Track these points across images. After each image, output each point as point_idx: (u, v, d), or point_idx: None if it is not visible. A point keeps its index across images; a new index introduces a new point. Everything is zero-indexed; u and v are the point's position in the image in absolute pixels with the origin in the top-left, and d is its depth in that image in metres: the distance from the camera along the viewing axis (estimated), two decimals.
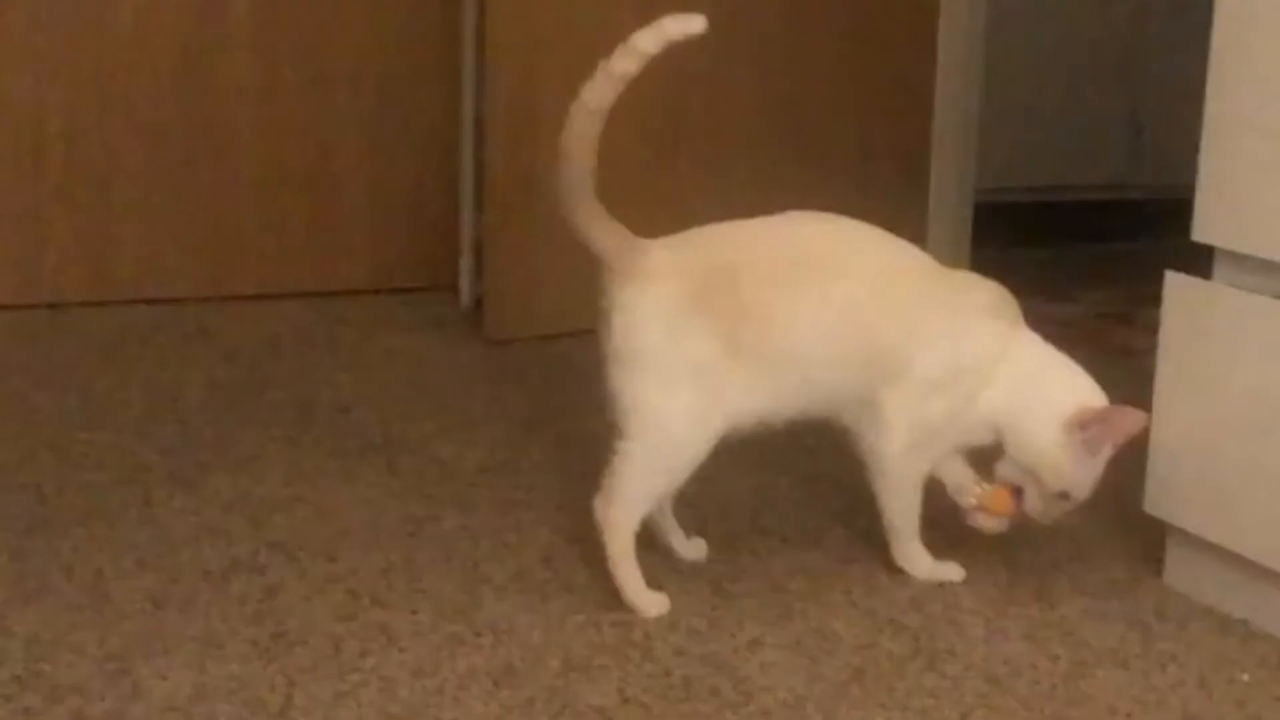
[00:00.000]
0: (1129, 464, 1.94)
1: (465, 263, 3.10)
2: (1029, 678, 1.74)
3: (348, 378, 2.71)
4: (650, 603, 1.89)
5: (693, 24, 1.83)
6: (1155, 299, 1.95)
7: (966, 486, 1.98)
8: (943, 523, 2.00)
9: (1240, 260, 1.86)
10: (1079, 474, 1.88)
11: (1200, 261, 1.91)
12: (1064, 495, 1.90)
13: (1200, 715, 1.70)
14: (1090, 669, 1.78)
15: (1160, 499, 1.97)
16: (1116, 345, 2.94)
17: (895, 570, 2.00)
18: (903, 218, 2.95)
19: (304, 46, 3.16)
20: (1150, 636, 1.86)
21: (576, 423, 2.51)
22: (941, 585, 1.97)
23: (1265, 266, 1.82)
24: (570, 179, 1.92)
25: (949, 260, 3.53)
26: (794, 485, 2.29)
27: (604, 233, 1.91)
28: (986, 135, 3.51)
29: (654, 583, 1.95)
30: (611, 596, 1.92)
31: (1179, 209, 1.94)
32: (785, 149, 3.18)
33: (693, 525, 2.12)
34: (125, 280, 3.13)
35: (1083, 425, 1.86)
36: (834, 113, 3.23)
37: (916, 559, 2.00)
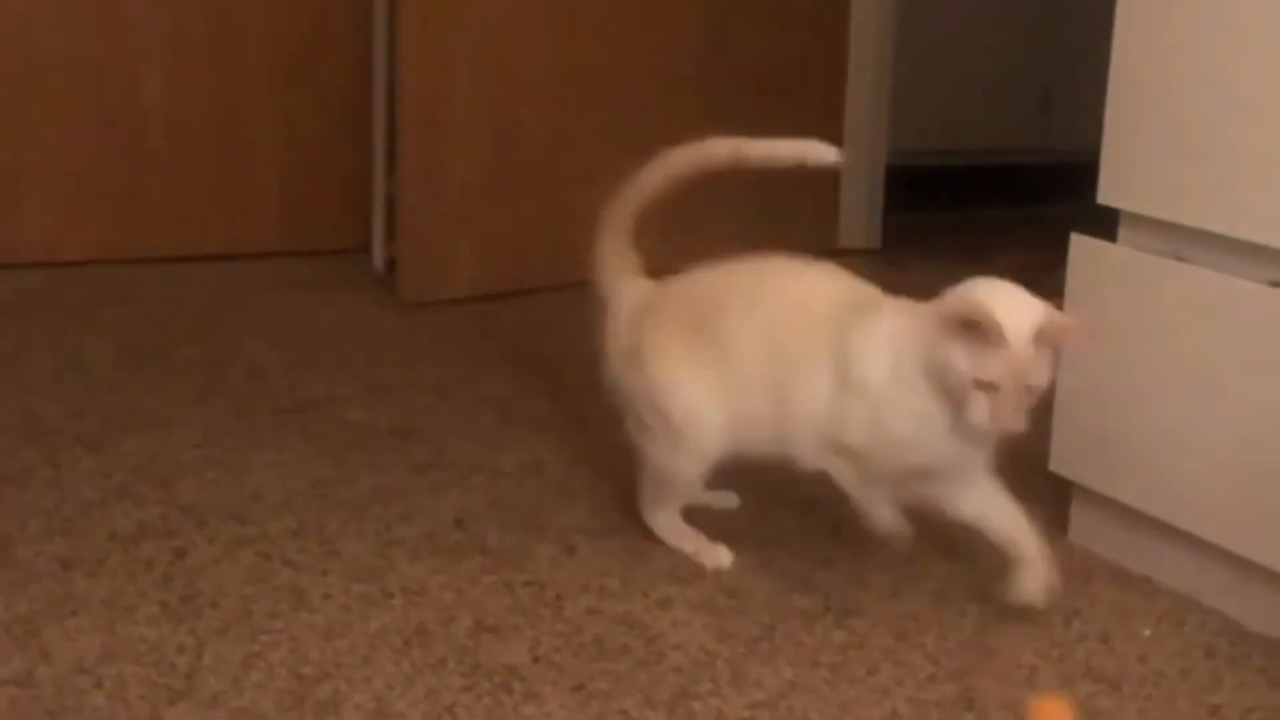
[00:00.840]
0: (1035, 424, 1.97)
1: (377, 225, 3.09)
2: (936, 634, 1.77)
3: (259, 341, 2.69)
4: (713, 556, 1.94)
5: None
6: (1064, 262, 1.98)
7: None
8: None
9: (1143, 223, 1.88)
10: (975, 363, 1.72)
11: (1107, 224, 1.94)
12: (984, 386, 1.72)
13: (1103, 669, 1.73)
14: (996, 625, 1.81)
15: (1065, 458, 2.01)
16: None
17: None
18: (817, 184, 2.98)
19: (213, 4, 3.12)
20: (1055, 592, 1.89)
21: (488, 386, 2.51)
22: (851, 545, 1.99)
23: (1167, 229, 1.85)
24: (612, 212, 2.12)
25: (862, 225, 3.53)
26: None
27: (612, 261, 2.10)
28: (899, 101, 3.53)
29: (566, 545, 1.97)
30: (522, 556, 1.93)
31: (1087, 173, 1.96)
32: (697, 120, 3.18)
33: (606, 489, 2.13)
34: (32, 243, 3.08)
35: (951, 318, 1.72)
36: (746, 82, 3.23)
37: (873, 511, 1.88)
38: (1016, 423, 1.70)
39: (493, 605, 1.81)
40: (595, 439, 2.29)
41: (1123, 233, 1.92)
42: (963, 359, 1.69)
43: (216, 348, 2.66)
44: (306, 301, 2.92)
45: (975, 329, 1.68)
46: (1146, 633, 1.81)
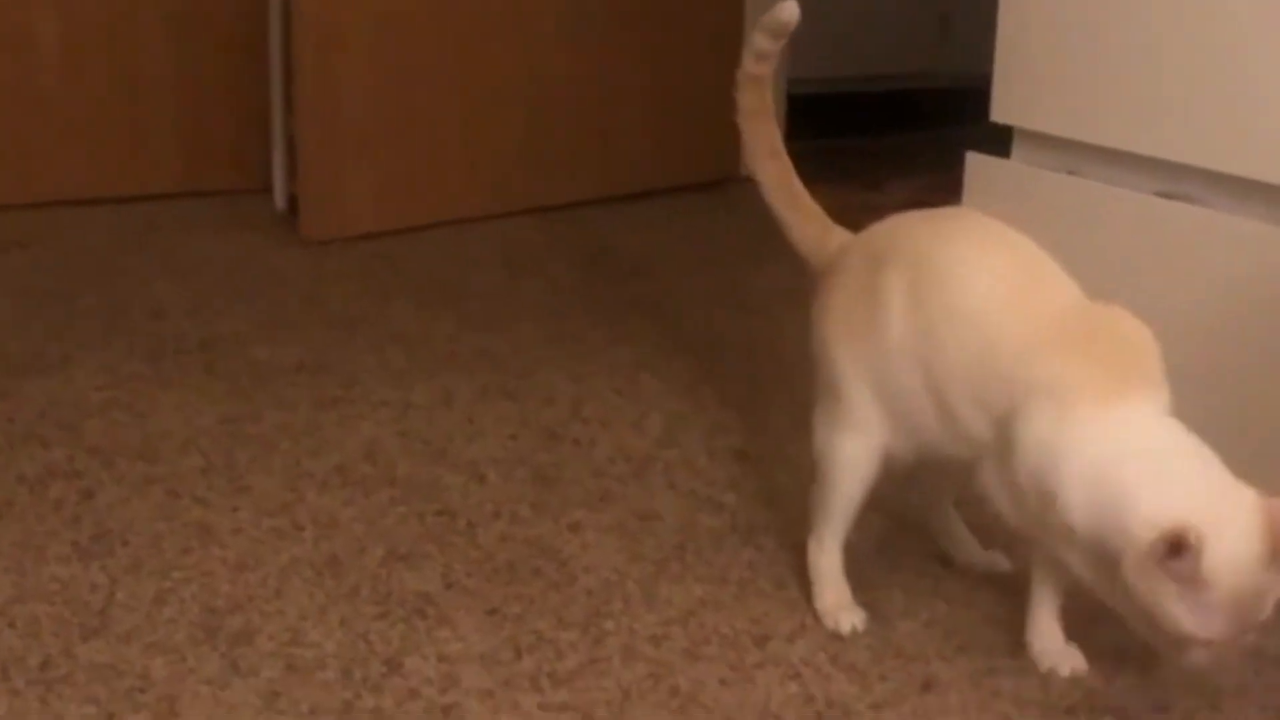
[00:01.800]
0: None
1: (277, 164, 3.06)
2: (845, 555, 1.78)
3: (161, 282, 2.67)
4: (846, 619, 1.66)
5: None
6: (959, 185, 2.01)
7: None
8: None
9: (1035, 139, 1.92)
10: (1191, 620, 1.39)
11: (1003, 146, 1.97)
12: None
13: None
14: (899, 536, 1.84)
15: None
16: None
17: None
18: (717, 112, 2.99)
19: None
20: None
21: (394, 321, 2.51)
22: (758, 466, 2.01)
23: (1058, 144, 1.88)
24: (751, 155, 1.82)
25: None
26: (613, 369, 2.32)
27: (798, 220, 1.78)
28: (797, 29, 3.54)
29: (477, 474, 1.98)
30: (433, 487, 1.94)
31: (985, 97, 1.99)
32: (594, 51, 3.18)
33: (514, 419, 2.15)
34: None
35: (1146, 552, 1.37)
36: (645, 12, 3.23)
37: None
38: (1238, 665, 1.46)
39: (404, 535, 1.83)
40: (502, 372, 2.31)
41: (1016, 150, 1.96)
42: (1176, 607, 1.37)
43: (118, 290, 2.64)
44: (208, 242, 2.90)
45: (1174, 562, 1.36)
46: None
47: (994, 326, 1.54)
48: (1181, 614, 1.37)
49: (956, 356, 1.55)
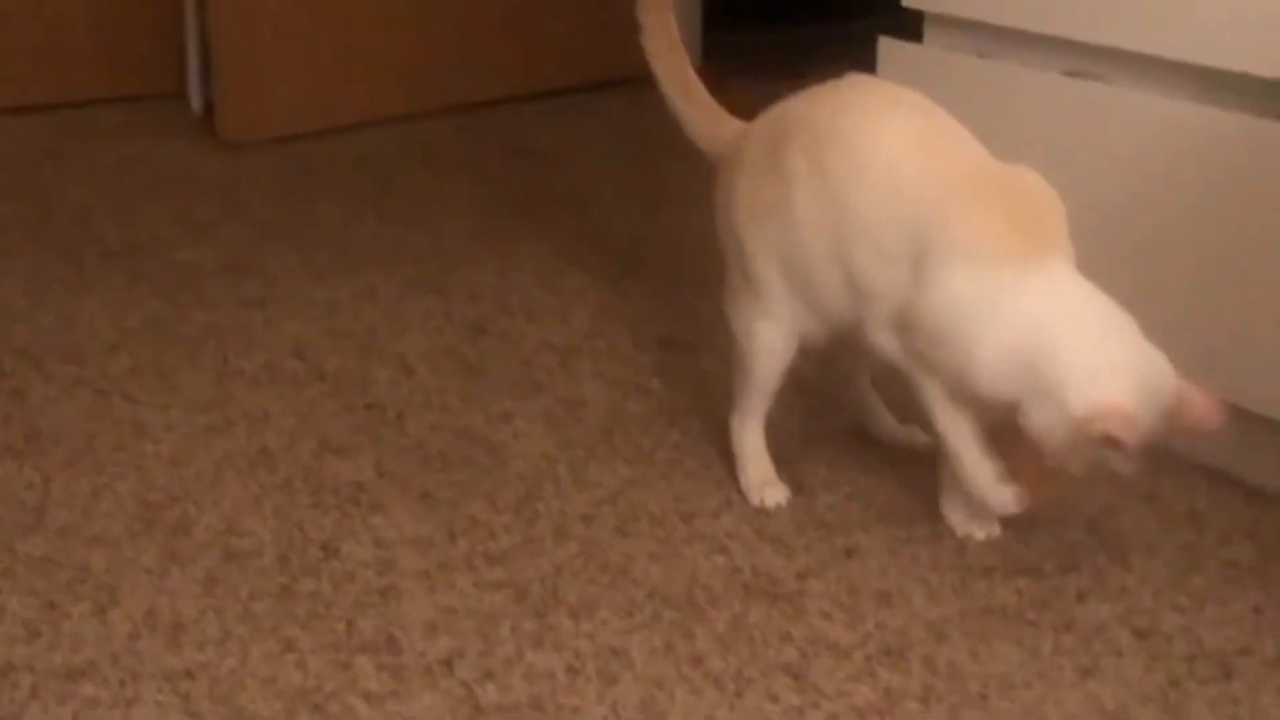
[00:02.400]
0: None
1: (192, 67, 3.04)
2: (769, 434, 1.82)
3: (80, 188, 2.66)
4: (764, 494, 1.71)
5: None
6: (874, 72, 2.03)
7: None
8: None
9: (946, 23, 1.95)
10: (1086, 463, 1.52)
11: (917, 33, 1.99)
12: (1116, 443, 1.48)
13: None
14: (820, 413, 1.89)
15: None
16: None
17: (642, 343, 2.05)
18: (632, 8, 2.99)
19: None
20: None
21: (318, 221, 2.52)
22: (683, 353, 2.04)
23: (969, 26, 1.91)
24: (654, 53, 1.83)
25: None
26: (537, 263, 2.35)
27: (694, 109, 1.80)
28: None
29: (405, 367, 2.00)
30: (361, 380, 1.96)
31: None
32: None
33: (440, 313, 2.17)
34: None
35: (1089, 433, 1.47)
36: None
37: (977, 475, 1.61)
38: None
39: (335, 427, 1.85)
40: (427, 268, 2.33)
41: (928, 34, 1.98)
42: (1090, 455, 1.49)
43: (37, 198, 2.63)
44: (125, 147, 2.89)
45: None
46: None
47: (904, 179, 1.56)
48: (1094, 459, 1.49)
49: (865, 211, 1.57)
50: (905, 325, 1.56)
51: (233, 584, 1.54)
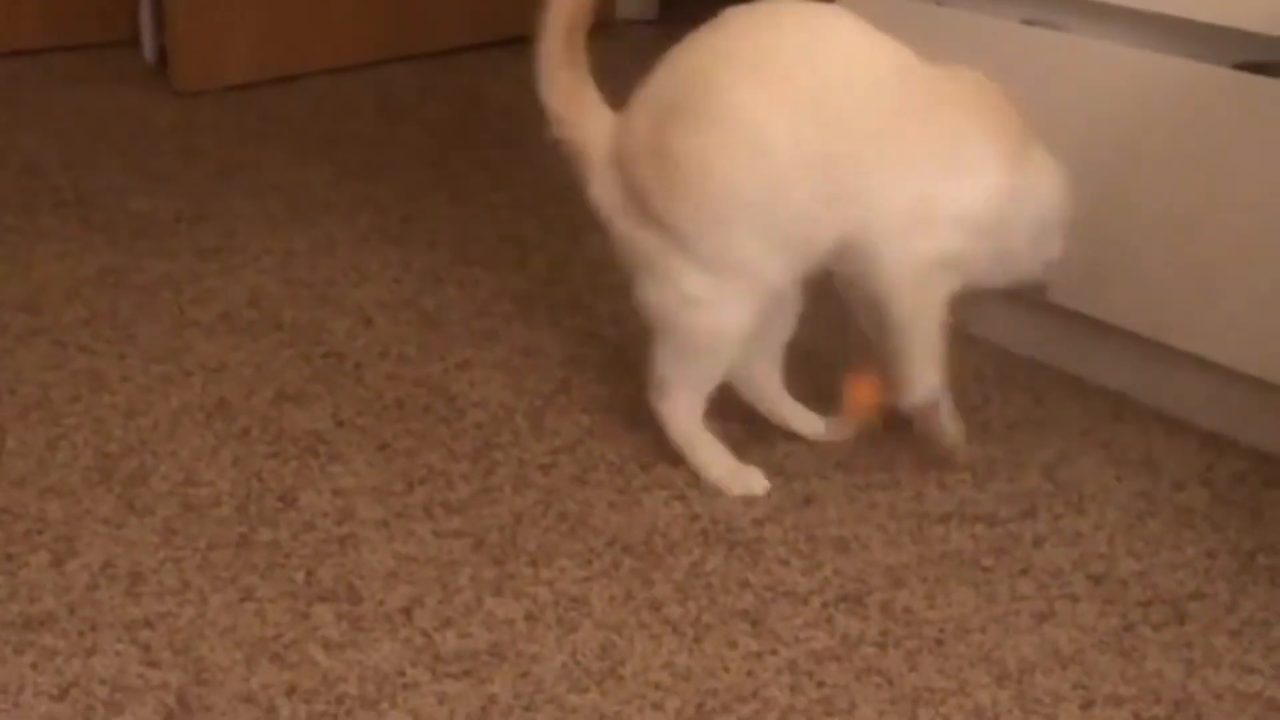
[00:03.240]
0: None
1: (145, 14, 3.01)
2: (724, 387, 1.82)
3: (31, 137, 2.63)
4: (740, 482, 1.66)
5: None
6: None
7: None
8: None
9: None
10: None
11: None
12: None
13: None
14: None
15: None
16: None
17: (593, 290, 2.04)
18: None
19: None
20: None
21: (272, 170, 2.50)
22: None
23: None
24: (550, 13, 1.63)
25: None
26: (494, 213, 2.34)
27: (562, 91, 1.63)
28: None
29: (363, 317, 2.00)
30: (319, 330, 1.96)
31: None
32: None
33: (398, 263, 2.16)
34: None
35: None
36: None
37: (925, 378, 1.63)
38: None
39: (292, 376, 1.85)
40: (384, 217, 2.32)
41: None
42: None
43: None
44: (78, 96, 2.86)
45: None
46: None
47: (890, 88, 1.57)
48: None
49: (861, 123, 1.54)
50: (923, 225, 1.56)
51: (191, 534, 1.53)
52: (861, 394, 1.67)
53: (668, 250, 1.57)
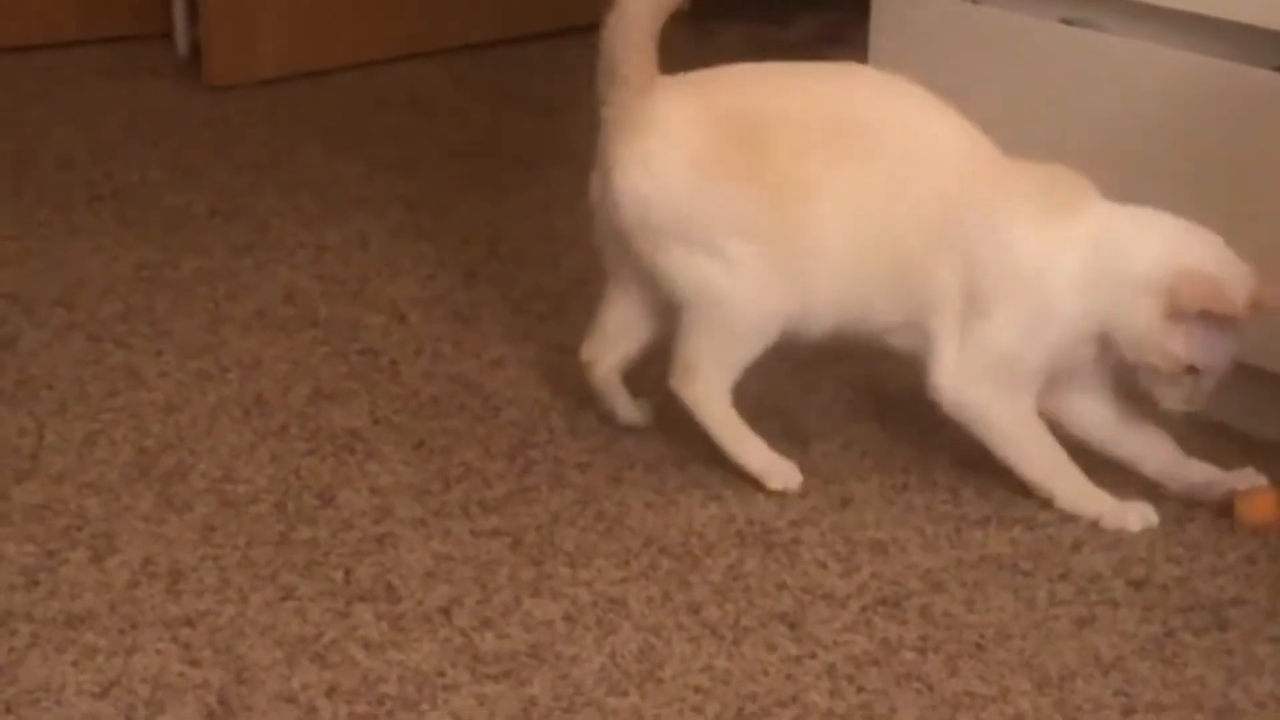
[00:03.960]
0: None
1: (179, 8, 3.01)
2: (759, 385, 1.81)
3: (66, 131, 2.63)
4: (777, 472, 1.64)
5: None
6: (867, 19, 2.02)
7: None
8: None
9: None
10: (1200, 354, 1.54)
11: None
12: (1193, 371, 1.55)
13: None
14: (816, 368, 1.88)
15: None
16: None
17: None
18: None
19: None
20: None
21: (306, 166, 2.50)
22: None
23: None
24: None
25: None
26: (528, 209, 2.34)
27: (629, 55, 1.60)
28: None
29: (397, 314, 2.00)
30: (354, 326, 1.96)
31: None
32: None
33: (431, 259, 2.16)
34: None
35: (1183, 304, 1.52)
36: None
37: (1085, 502, 1.61)
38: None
39: (328, 374, 1.85)
40: (417, 213, 2.32)
41: None
42: (1184, 348, 1.53)
43: (22, 141, 2.60)
44: (111, 89, 2.86)
45: (1210, 317, 1.52)
46: None
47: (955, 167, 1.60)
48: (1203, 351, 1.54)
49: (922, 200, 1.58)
50: (975, 308, 1.56)
51: (230, 531, 1.54)
52: (1257, 510, 1.59)
53: (730, 226, 1.58)
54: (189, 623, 1.40)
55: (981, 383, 1.57)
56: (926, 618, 1.45)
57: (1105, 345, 1.57)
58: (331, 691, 1.33)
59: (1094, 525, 1.59)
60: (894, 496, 1.63)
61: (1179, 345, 1.52)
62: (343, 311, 2.01)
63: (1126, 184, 1.77)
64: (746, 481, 1.64)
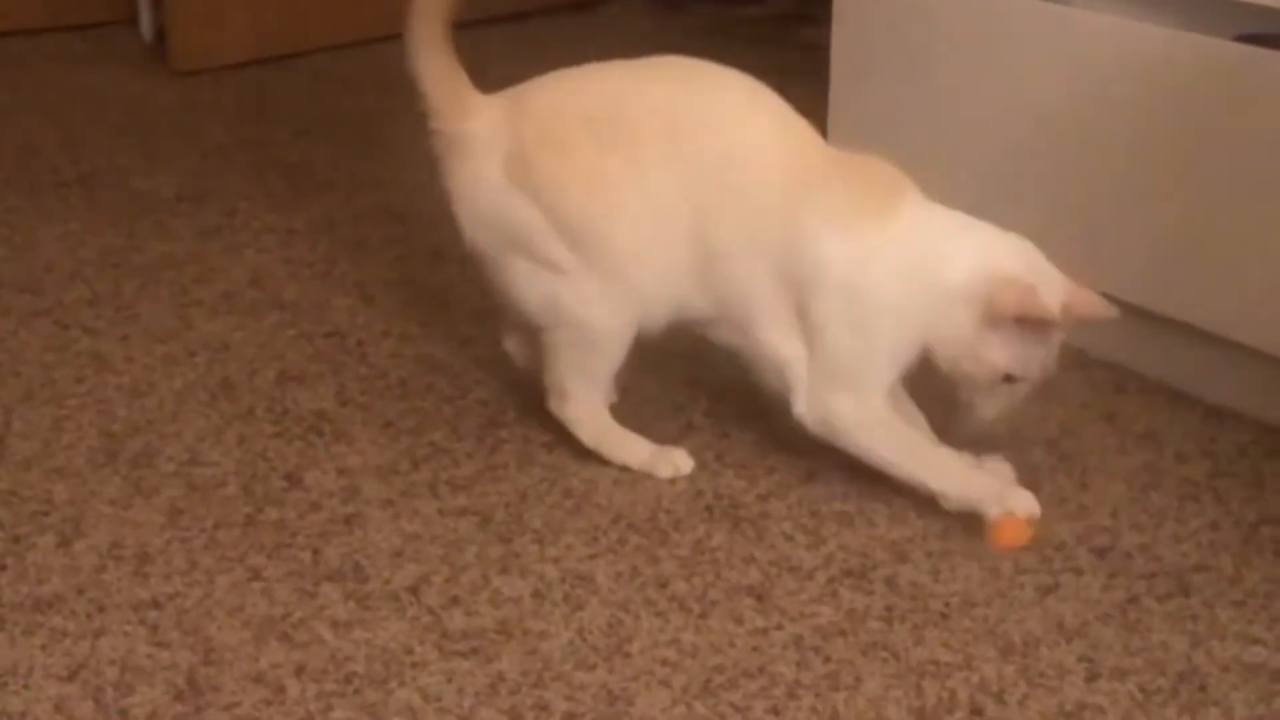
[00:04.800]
0: None
1: None
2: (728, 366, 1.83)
3: (32, 118, 2.63)
4: (665, 464, 1.64)
5: None
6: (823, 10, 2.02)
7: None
8: None
9: None
10: (1017, 362, 1.52)
11: None
12: (1010, 379, 1.54)
13: None
14: None
15: None
16: (806, 44, 3.01)
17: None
18: None
19: None
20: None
21: (272, 149, 2.50)
22: None
23: None
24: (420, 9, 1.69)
25: None
26: None
27: (438, 75, 1.67)
28: None
29: (365, 295, 2.00)
30: (321, 309, 1.96)
31: None
32: None
33: (399, 241, 2.16)
34: None
35: (1000, 311, 1.49)
36: None
37: (968, 489, 1.55)
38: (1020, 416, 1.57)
39: (296, 356, 1.85)
40: (384, 196, 2.31)
41: None
42: (1002, 356, 1.51)
43: None
44: (76, 76, 2.85)
45: (1026, 324, 1.49)
46: None
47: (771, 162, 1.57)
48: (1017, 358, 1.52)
49: (734, 193, 1.56)
50: (807, 323, 1.55)
51: (197, 514, 1.54)
52: (1007, 534, 1.52)
53: (549, 233, 1.57)
54: (157, 605, 1.40)
55: (835, 396, 1.56)
56: (892, 588, 1.46)
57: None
58: (300, 671, 1.33)
59: (1059, 494, 1.60)
60: (860, 469, 1.64)
61: (996, 353, 1.51)
62: (310, 294, 2.01)
63: (1092, 155, 1.78)
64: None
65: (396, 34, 3.10)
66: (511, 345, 1.75)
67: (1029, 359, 1.52)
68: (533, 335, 1.66)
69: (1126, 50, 1.74)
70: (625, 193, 1.56)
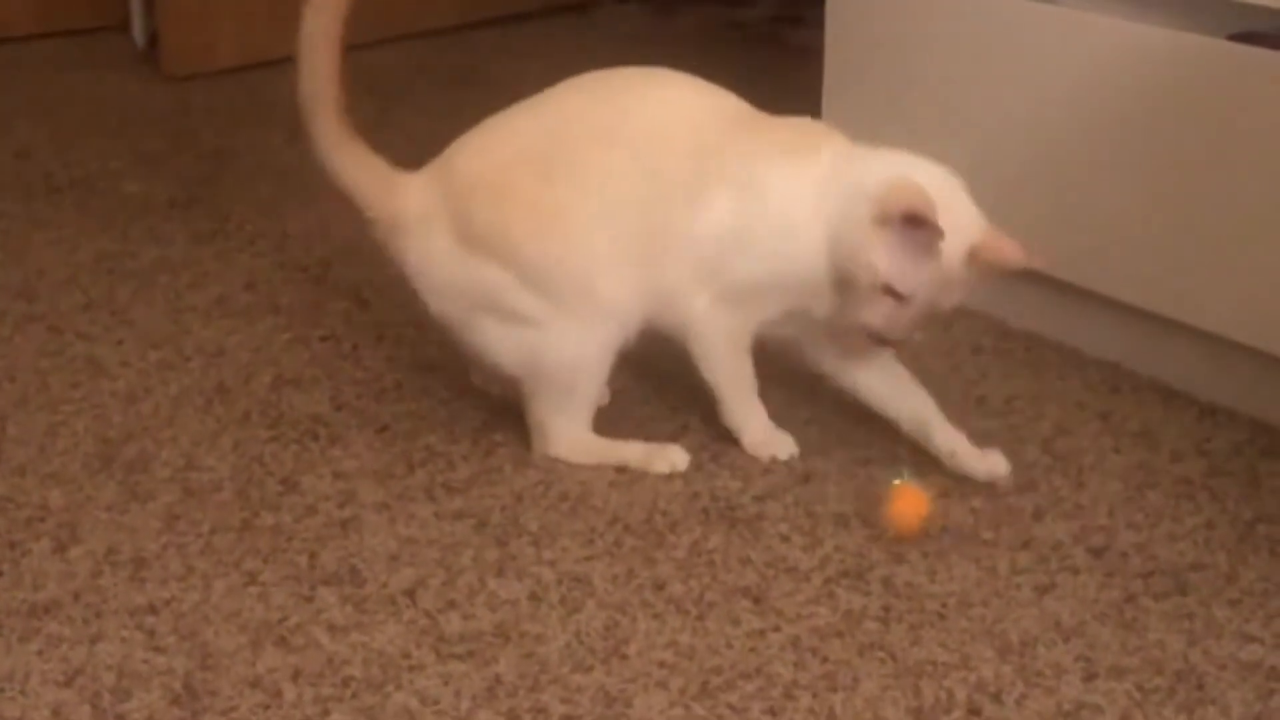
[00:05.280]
0: None
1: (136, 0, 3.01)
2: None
3: (24, 123, 2.62)
4: (661, 460, 1.65)
5: None
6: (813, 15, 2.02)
7: None
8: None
9: None
10: (896, 271, 1.53)
11: None
12: (892, 294, 1.54)
13: None
14: (779, 360, 1.89)
15: None
16: (797, 46, 3.02)
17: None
18: None
19: None
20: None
21: (265, 153, 2.50)
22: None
23: None
24: (310, 95, 1.73)
25: None
26: None
27: (356, 168, 1.69)
28: None
29: (359, 299, 2.00)
30: (316, 313, 1.96)
31: None
32: None
33: None
34: None
35: (888, 208, 1.51)
36: None
37: (746, 423, 1.68)
38: (907, 336, 1.59)
39: (291, 360, 1.85)
40: None
41: None
42: (883, 259, 1.52)
43: None
44: (69, 81, 2.85)
45: (913, 229, 1.50)
46: (918, 337, 1.91)
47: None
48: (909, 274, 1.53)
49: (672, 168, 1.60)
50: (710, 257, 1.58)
51: (194, 519, 1.54)
52: (906, 506, 1.53)
53: (511, 286, 1.59)
54: (153, 610, 1.40)
55: (720, 305, 1.61)
56: (889, 588, 1.46)
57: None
58: (297, 675, 1.33)
59: (1055, 493, 1.60)
60: (856, 471, 1.64)
61: (879, 256, 1.52)
62: (305, 298, 2.01)
63: (1084, 154, 1.78)
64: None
65: (387, 39, 3.12)
66: (479, 380, 1.76)
67: (910, 274, 1.52)
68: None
69: (1119, 50, 1.74)
70: (575, 213, 1.58)
